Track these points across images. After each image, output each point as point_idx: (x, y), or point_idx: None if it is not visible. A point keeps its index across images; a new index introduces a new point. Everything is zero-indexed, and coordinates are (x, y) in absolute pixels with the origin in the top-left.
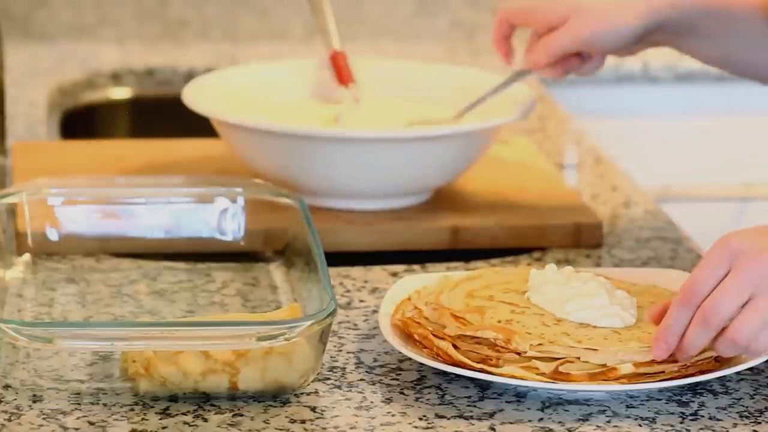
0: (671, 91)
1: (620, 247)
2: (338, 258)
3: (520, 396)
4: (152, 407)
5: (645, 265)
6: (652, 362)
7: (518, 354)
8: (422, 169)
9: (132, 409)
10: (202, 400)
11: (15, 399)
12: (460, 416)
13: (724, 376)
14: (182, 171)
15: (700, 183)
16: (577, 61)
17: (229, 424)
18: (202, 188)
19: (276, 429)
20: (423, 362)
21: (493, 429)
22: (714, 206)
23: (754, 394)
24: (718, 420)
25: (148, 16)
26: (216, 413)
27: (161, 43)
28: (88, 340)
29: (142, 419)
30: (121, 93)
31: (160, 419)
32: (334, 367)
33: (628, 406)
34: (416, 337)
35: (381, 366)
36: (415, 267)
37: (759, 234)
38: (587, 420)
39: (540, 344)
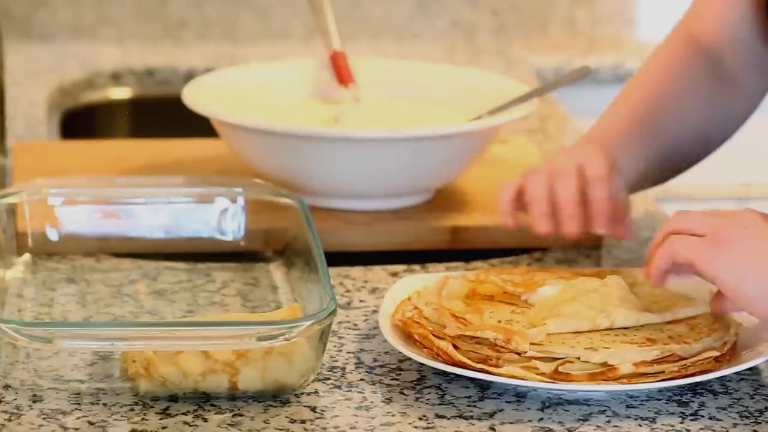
0: None
1: (620, 247)
2: (338, 258)
3: (520, 396)
4: (152, 407)
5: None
6: (653, 362)
7: (518, 354)
8: (422, 169)
9: (132, 409)
10: (202, 400)
11: (15, 399)
12: (460, 416)
13: (724, 376)
14: (182, 171)
15: (700, 183)
16: None
17: (229, 424)
18: (202, 188)
19: (276, 429)
20: (423, 362)
21: (493, 429)
22: (713, 206)
23: (754, 394)
24: (718, 420)
25: (148, 16)
26: (216, 413)
27: (161, 43)
28: (88, 340)
29: (142, 419)
30: (121, 93)
31: (160, 419)
32: (334, 367)
33: (628, 406)
34: (416, 337)
35: (381, 366)
36: (415, 267)
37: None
38: (587, 420)
39: (540, 344)
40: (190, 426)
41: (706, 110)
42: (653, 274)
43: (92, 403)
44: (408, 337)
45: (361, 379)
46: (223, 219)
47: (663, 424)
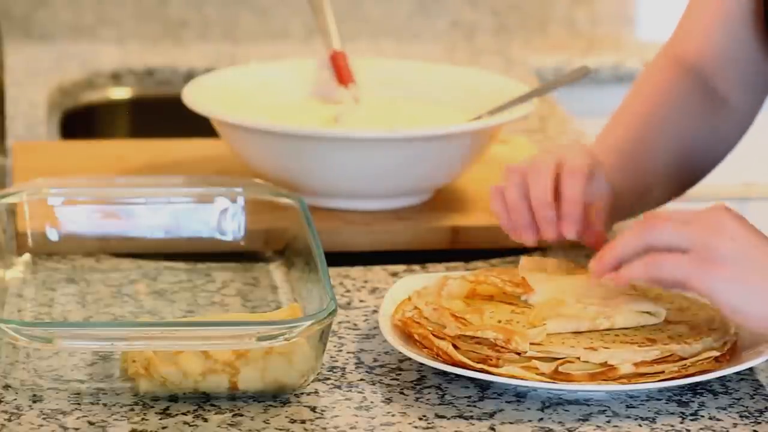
0: None
1: None
2: (338, 258)
3: (520, 396)
4: (152, 407)
5: None
6: (653, 362)
7: (518, 354)
8: (422, 169)
9: (132, 409)
10: (202, 400)
11: (15, 399)
12: (460, 416)
13: (724, 376)
14: (182, 171)
15: (700, 183)
16: None
17: (229, 424)
18: (202, 188)
19: (276, 429)
20: (423, 362)
21: (493, 429)
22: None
23: (754, 394)
24: (718, 420)
25: (148, 16)
26: (216, 413)
27: (161, 43)
28: (88, 340)
29: (142, 419)
30: (121, 93)
31: (160, 419)
32: (334, 367)
33: (628, 406)
34: (416, 337)
35: (381, 366)
36: (415, 267)
37: (744, 228)
38: (587, 420)
39: (540, 344)
40: (190, 426)
41: (696, 131)
42: (622, 280)
43: (92, 403)
44: (408, 337)
45: (361, 379)
46: (223, 219)
47: (663, 424)
